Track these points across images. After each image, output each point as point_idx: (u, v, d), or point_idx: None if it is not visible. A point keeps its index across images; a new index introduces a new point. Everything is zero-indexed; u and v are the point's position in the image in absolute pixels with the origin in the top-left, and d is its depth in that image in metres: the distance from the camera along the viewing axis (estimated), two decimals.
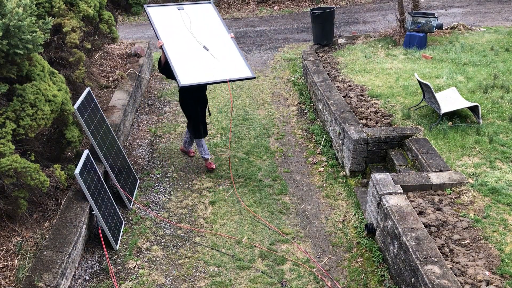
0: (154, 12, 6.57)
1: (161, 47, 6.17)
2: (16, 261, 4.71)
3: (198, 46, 6.28)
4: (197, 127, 6.83)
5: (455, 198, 5.26)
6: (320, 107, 8.28)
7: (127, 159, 6.80)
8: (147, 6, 6.60)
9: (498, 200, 5.12)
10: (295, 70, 10.78)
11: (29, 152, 4.97)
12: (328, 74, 9.12)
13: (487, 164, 5.77)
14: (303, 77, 10.27)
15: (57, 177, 5.22)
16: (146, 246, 5.54)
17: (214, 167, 7.03)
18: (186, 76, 5.88)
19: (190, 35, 6.42)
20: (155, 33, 6.32)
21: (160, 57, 6.47)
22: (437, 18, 10.29)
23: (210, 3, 7.01)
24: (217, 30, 6.64)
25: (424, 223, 4.76)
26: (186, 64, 6.03)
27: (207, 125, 7.51)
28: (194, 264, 5.27)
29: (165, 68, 6.35)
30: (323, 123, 8.10)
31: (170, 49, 6.14)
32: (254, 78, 6.26)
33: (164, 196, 6.48)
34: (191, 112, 6.75)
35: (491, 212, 4.96)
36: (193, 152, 7.49)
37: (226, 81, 5.91)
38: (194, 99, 6.66)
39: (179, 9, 6.72)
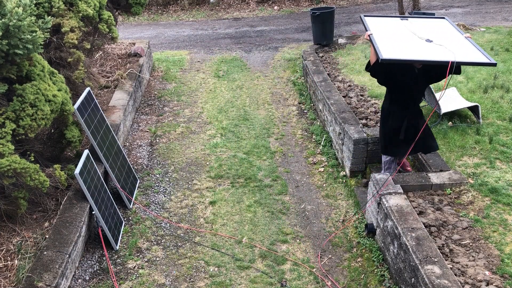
0: (371, 20, 5.75)
1: (368, 38, 5.26)
2: (16, 261, 4.71)
3: (419, 40, 5.27)
4: (391, 141, 5.70)
5: (455, 198, 5.26)
6: (320, 107, 8.29)
7: (127, 159, 6.80)
8: (365, 16, 5.80)
9: (498, 200, 5.12)
10: (295, 70, 10.78)
11: (28, 152, 4.97)
12: (328, 74, 9.12)
13: (487, 164, 5.77)
14: (303, 77, 10.27)
15: (57, 177, 5.22)
16: (146, 246, 5.54)
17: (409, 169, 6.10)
18: (390, 51, 4.91)
19: (410, 33, 5.45)
20: (365, 27, 5.55)
21: (369, 61, 5.56)
22: None
23: (445, 18, 6.15)
24: (448, 32, 5.59)
25: (424, 223, 4.75)
26: (394, 44, 5.11)
27: None
28: (194, 264, 5.27)
29: (374, 70, 5.48)
30: (323, 123, 8.10)
31: (378, 37, 5.23)
32: (495, 64, 4.91)
33: (164, 196, 6.48)
34: (393, 124, 5.62)
35: (491, 212, 4.96)
36: (410, 167, 6.13)
37: (447, 63, 4.74)
38: (409, 119, 5.56)
39: (402, 19, 5.85)
